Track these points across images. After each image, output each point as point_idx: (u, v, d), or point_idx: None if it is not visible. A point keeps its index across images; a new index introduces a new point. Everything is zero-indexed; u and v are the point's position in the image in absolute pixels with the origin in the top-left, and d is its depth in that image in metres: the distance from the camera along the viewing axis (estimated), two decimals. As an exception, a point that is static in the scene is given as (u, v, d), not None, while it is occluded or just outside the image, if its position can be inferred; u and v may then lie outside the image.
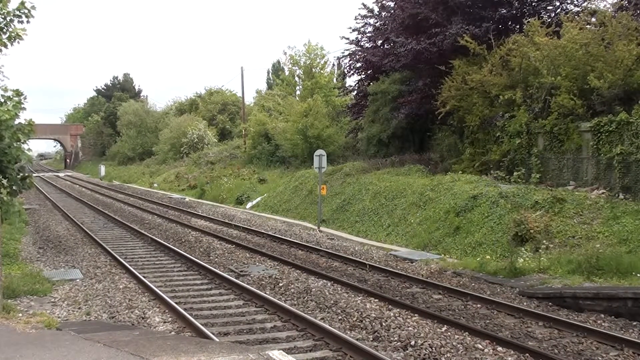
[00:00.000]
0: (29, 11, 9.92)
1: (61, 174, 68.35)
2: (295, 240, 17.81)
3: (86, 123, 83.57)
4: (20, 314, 9.14)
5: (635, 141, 14.31)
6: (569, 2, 22.22)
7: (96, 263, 14.57)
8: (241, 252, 16.20)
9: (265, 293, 11.20)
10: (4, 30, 9.90)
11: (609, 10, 19.26)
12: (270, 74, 62.07)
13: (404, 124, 24.27)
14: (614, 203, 13.89)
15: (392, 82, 24.63)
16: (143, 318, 9.75)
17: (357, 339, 8.45)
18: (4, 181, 10.02)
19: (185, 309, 9.94)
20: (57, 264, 14.50)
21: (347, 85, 37.91)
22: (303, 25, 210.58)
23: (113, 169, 61.02)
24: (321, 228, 20.35)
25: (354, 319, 9.64)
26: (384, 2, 26.47)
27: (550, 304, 10.61)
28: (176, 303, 10.27)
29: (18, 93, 10.06)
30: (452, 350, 8.11)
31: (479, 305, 10.56)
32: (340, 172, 24.26)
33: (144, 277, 12.50)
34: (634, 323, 9.46)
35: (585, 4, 21.45)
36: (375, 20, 27.26)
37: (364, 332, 9.02)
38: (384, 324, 9.31)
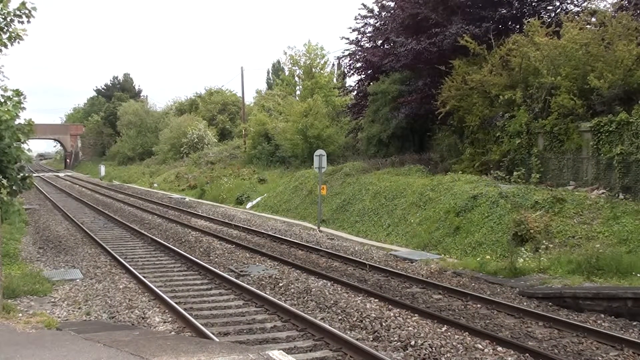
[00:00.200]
0: (30, 11, 9.93)
1: (61, 174, 68.33)
2: (295, 240, 17.81)
3: (86, 123, 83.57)
4: (20, 314, 9.14)
5: (635, 141, 14.31)
6: (569, 2, 22.22)
7: (96, 263, 14.57)
8: (241, 252, 16.20)
9: (265, 293, 11.20)
10: (4, 30, 9.90)
11: (609, 10, 19.27)
12: (270, 74, 62.12)
13: (404, 124, 24.28)
14: (614, 203, 13.88)
15: (392, 82, 24.64)
16: (143, 318, 9.75)
17: (357, 339, 8.45)
18: (4, 181, 10.03)
19: (185, 309, 9.94)
20: (57, 264, 14.50)
21: (347, 85, 37.94)
22: (303, 25, 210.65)
23: (113, 169, 61.00)
24: (321, 228, 20.35)
25: (354, 319, 9.64)
26: (384, 2, 26.49)
27: (550, 304, 10.61)
28: (176, 303, 10.27)
29: (18, 93, 10.07)
30: (452, 350, 8.11)
31: (479, 305, 10.56)
32: (340, 172, 24.26)
33: (144, 277, 12.50)
34: (634, 323, 9.46)
35: (585, 4, 21.46)
36: (375, 20, 27.28)
37: (364, 332, 9.02)
38: (384, 324, 9.31)
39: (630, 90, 15.74)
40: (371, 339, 8.68)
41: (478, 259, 13.71)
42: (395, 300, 10.67)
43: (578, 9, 21.39)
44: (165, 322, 9.53)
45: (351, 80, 61.60)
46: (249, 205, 28.31)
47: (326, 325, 8.90)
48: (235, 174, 35.81)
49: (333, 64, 44.36)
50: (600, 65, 16.34)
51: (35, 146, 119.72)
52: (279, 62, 59.37)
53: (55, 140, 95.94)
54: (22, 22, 10.03)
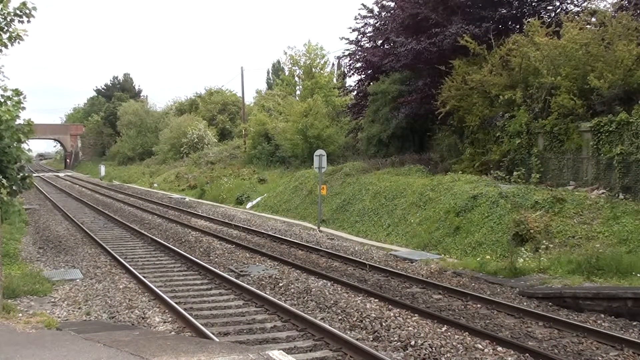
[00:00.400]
0: (30, 11, 9.93)
1: (61, 174, 68.33)
2: (295, 240, 17.81)
3: (86, 123, 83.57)
4: (20, 314, 9.14)
5: (635, 141, 14.31)
6: (569, 2, 22.23)
7: (96, 263, 14.57)
8: (241, 252, 16.20)
9: (265, 293, 11.20)
10: (5, 30, 9.90)
11: (609, 10, 19.27)
12: (270, 74, 62.12)
13: (404, 124, 24.28)
14: (614, 203, 13.88)
15: (392, 82, 24.64)
16: (143, 318, 9.75)
17: (357, 339, 8.45)
18: (4, 181, 10.03)
19: (185, 309, 9.94)
20: (57, 264, 14.50)
21: (347, 85, 37.96)
22: (303, 25, 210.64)
23: (113, 169, 61.00)
24: (321, 228, 20.34)
25: (354, 319, 9.64)
26: (384, 2, 26.50)
27: (550, 304, 10.61)
28: (176, 303, 10.27)
29: (17, 92, 10.07)
30: (452, 350, 8.11)
31: (479, 305, 10.56)
32: (340, 172, 24.26)
33: (144, 277, 12.50)
34: (634, 323, 9.46)
35: (585, 4, 21.46)
36: (375, 21, 27.28)
37: (364, 332, 9.02)
38: (384, 324, 9.31)
39: (630, 90, 15.74)
40: (371, 339, 8.68)
41: (478, 259, 13.71)
42: (395, 300, 10.67)
43: (578, 9, 21.40)
44: (165, 322, 9.53)
45: (351, 80, 61.71)
46: (249, 205, 28.31)
47: (326, 325, 8.90)
48: (235, 174, 35.82)
49: (333, 64, 44.43)
50: (600, 65, 16.34)
51: (35, 146, 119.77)
52: (279, 62, 59.44)
53: (55, 140, 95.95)
54: (22, 22, 10.03)
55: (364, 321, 9.47)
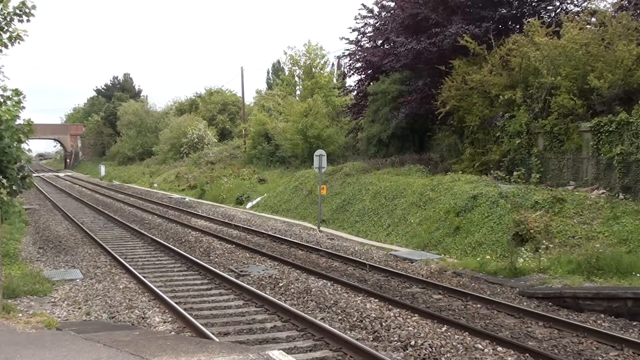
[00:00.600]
0: (30, 10, 9.93)
1: (61, 174, 68.34)
2: (295, 240, 17.81)
3: (86, 123, 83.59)
4: (20, 314, 9.14)
5: (635, 141, 14.31)
6: (569, 2, 22.23)
7: (96, 263, 14.57)
8: (241, 252, 16.20)
9: (265, 293, 11.20)
10: (5, 30, 9.91)
11: (609, 10, 19.27)
12: (270, 74, 62.12)
13: (404, 124, 24.29)
14: (614, 203, 13.88)
15: (392, 82, 24.64)
16: (143, 318, 9.75)
17: (357, 339, 8.45)
18: (4, 181, 10.03)
19: (185, 309, 9.94)
20: (57, 264, 14.50)
21: (347, 85, 37.96)
22: (303, 25, 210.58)
23: (113, 169, 61.02)
24: (321, 228, 20.35)
25: (354, 319, 9.64)
26: (384, 2, 26.50)
27: (550, 304, 10.61)
28: (176, 303, 10.27)
29: (17, 92, 10.07)
30: (452, 350, 8.11)
31: (479, 305, 10.56)
32: (340, 172, 24.26)
33: (144, 277, 12.50)
34: (634, 323, 9.46)
35: (585, 4, 21.47)
36: (375, 21, 27.28)
37: (364, 332, 9.02)
38: (384, 324, 9.31)
39: (630, 90, 15.74)
40: (371, 339, 8.68)
41: (478, 259, 13.71)
42: (395, 300, 10.67)
43: (578, 9, 21.40)
44: (165, 322, 9.53)
45: (351, 80, 61.66)
46: (249, 205, 28.31)
47: (326, 325, 8.90)
48: (235, 174, 35.82)
49: (333, 64, 44.43)
50: (600, 65, 16.34)
51: (35, 146, 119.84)
52: (279, 62, 59.45)
53: (55, 140, 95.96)
54: (22, 21, 10.04)
55: (364, 321, 9.47)
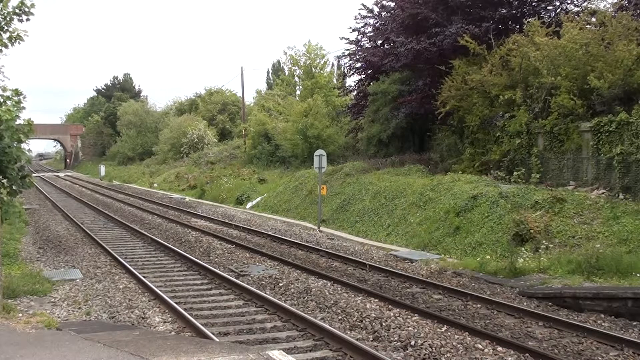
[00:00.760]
0: (29, 9, 9.93)
1: (61, 174, 68.33)
2: (295, 240, 17.81)
3: (86, 123, 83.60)
4: (20, 314, 9.14)
5: (635, 141, 14.31)
6: (569, 2, 22.25)
7: (96, 263, 14.57)
8: (241, 252, 16.19)
9: (265, 293, 11.19)
10: (5, 30, 9.90)
11: (609, 10, 19.28)
12: (270, 74, 62.10)
13: (404, 124, 24.29)
14: (614, 203, 13.88)
15: (392, 82, 24.65)
16: (143, 318, 9.75)
17: (357, 339, 8.45)
18: (4, 181, 10.02)
19: (185, 309, 9.94)
20: (57, 264, 14.50)
21: (347, 85, 37.94)
22: (303, 25, 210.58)
23: (113, 169, 61.01)
24: (321, 228, 20.34)
25: (354, 319, 9.64)
26: (384, 2, 26.50)
27: (550, 304, 10.61)
28: (176, 303, 10.27)
29: (17, 92, 10.06)
30: (452, 350, 8.11)
31: (479, 305, 10.55)
32: (340, 172, 24.26)
33: (144, 277, 12.50)
34: (634, 323, 9.46)
35: (585, 4, 21.48)
36: (375, 21, 27.28)
37: (364, 332, 9.02)
38: (384, 324, 9.30)
39: (630, 90, 15.74)
40: (371, 339, 8.68)
41: (478, 259, 13.71)
42: (395, 300, 10.66)
43: (578, 9, 21.41)
44: (165, 322, 9.53)
45: (351, 80, 61.59)
46: (249, 205, 28.31)
47: (326, 325, 8.90)
48: (235, 174, 35.82)
49: (333, 64, 44.43)
50: (600, 65, 16.34)
51: (35, 146, 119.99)
52: (279, 62, 59.44)
53: (55, 140, 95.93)
54: (22, 21, 10.03)
55: (364, 321, 9.47)
